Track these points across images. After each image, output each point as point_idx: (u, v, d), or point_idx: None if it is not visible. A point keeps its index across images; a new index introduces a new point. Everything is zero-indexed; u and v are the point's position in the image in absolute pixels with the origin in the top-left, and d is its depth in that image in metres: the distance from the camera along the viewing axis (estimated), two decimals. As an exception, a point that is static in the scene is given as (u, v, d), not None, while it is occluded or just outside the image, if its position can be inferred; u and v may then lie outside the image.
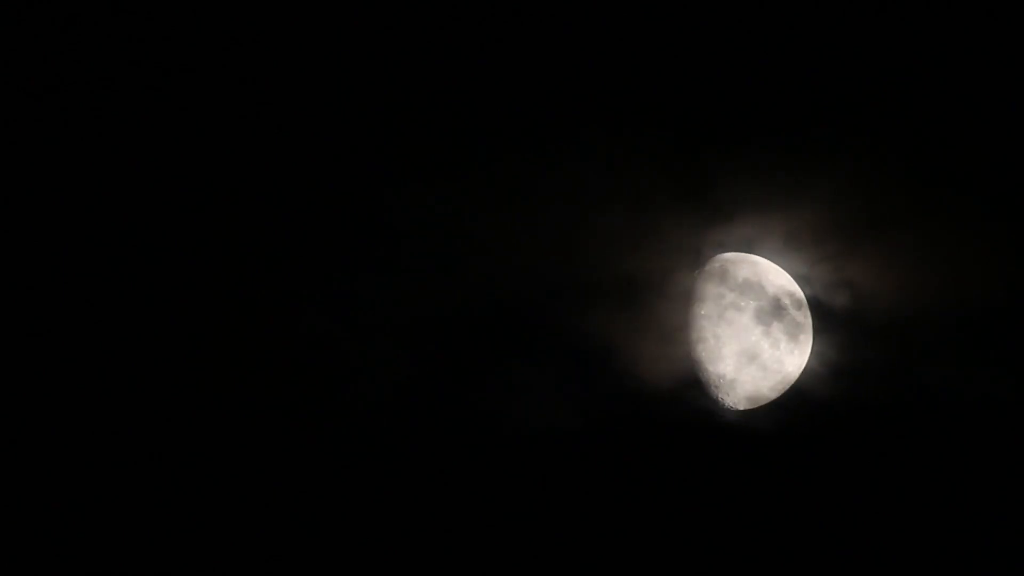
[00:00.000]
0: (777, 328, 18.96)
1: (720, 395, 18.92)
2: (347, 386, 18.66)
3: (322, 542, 18.43)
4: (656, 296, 18.84)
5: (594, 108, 18.99)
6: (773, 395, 19.05)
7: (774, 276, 19.17)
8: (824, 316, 19.13)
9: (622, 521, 18.67)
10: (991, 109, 19.02)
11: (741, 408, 19.00)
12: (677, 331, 18.84)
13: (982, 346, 18.90)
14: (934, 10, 18.89)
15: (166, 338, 18.51)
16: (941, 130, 19.04)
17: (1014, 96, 19.00)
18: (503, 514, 18.59)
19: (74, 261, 18.52)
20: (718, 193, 18.91)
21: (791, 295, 19.09)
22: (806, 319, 19.07)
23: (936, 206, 19.06)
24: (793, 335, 18.99)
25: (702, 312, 19.00)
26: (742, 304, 18.98)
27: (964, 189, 19.04)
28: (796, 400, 19.05)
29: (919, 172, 19.06)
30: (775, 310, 18.99)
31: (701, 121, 18.98)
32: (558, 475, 18.61)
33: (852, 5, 19.00)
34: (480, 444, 18.62)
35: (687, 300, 18.94)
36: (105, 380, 18.40)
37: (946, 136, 19.04)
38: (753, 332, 18.94)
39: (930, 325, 18.89)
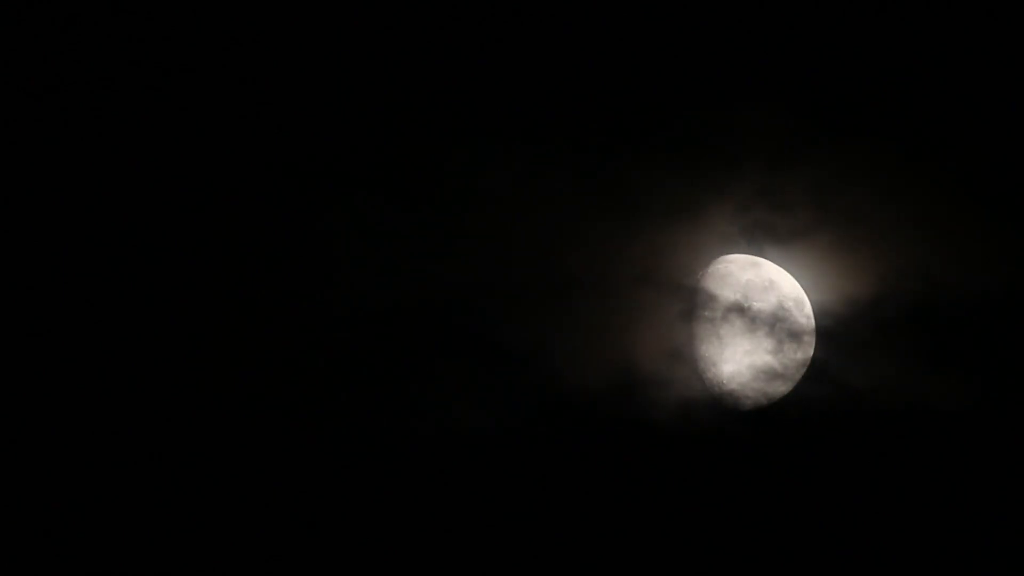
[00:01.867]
0: (779, 330, 18.91)
1: (722, 395, 18.91)
2: (282, 387, 18.72)
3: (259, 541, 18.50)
4: (590, 298, 18.88)
5: (523, 111, 19.11)
6: (778, 395, 19.04)
7: (779, 279, 19.12)
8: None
9: (554, 523, 18.66)
10: (932, 109, 18.96)
11: (746, 408, 19.00)
12: (614, 334, 18.85)
13: (914, 348, 18.82)
14: (856, 15, 18.92)
15: (143, 337, 18.64)
16: (878, 128, 19.00)
17: (958, 94, 18.94)
18: (435, 516, 18.61)
19: (70, 261, 18.61)
20: (648, 196, 18.99)
21: (794, 299, 19.04)
22: (808, 322, 19.02)
23: (864, 209, 19.04)
24: (795, 337, 18.95)
25: (704, 314, 18.97)
26: (744, 306, 18.95)
27: (907, 187, 18.99)
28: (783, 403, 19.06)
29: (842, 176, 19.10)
30: (777, 313, 18.95)
31: (625, 125, 19.07)
32: (490, 477, 18.62)
33: (773, 8, 19.02)
34: (408, 445, 18.64)
35: (624, 303, 18.97)
36: (102, 380, 18.48)
37: (887, 134, 18.99)
38: (754, 335, 18.91)
39: (864, 326, 18.87)
